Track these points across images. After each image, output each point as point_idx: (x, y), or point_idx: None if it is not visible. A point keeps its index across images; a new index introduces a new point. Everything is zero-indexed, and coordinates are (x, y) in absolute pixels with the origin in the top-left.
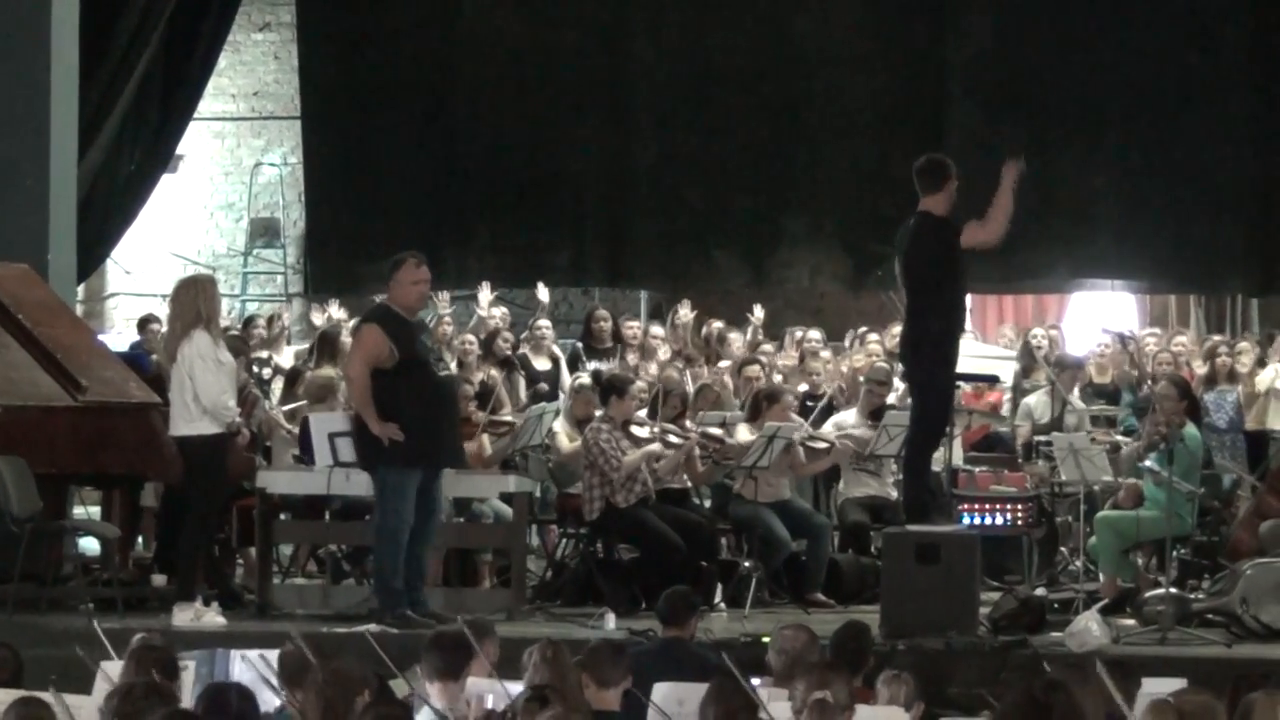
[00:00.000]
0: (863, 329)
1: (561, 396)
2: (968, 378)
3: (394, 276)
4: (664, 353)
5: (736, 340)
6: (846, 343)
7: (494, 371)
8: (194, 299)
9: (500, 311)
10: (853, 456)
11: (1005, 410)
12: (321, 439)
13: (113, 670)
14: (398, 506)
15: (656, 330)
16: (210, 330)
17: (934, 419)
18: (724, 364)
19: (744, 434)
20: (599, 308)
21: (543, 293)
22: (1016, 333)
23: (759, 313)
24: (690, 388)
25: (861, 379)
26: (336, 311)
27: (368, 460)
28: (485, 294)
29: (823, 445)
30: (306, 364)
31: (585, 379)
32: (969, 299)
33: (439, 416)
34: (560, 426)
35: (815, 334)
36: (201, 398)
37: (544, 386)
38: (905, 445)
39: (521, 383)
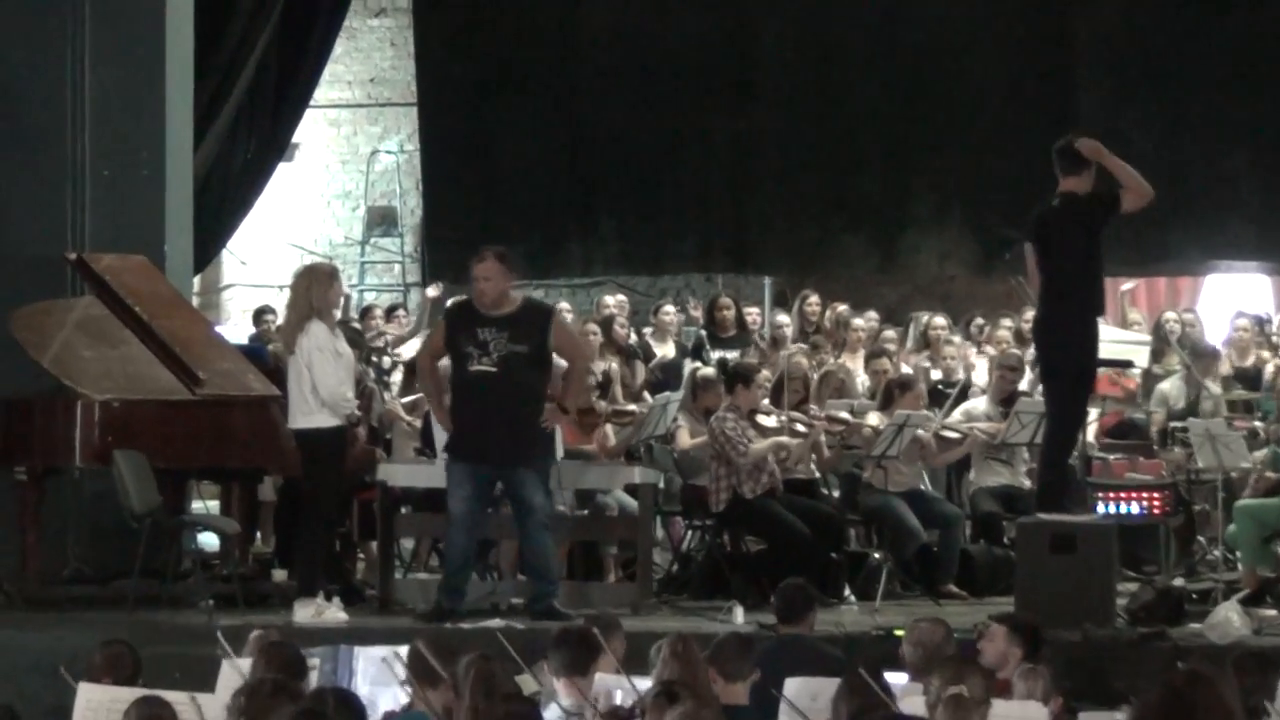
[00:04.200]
0: (978, 320)
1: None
2: (1102, 363)
3: None
4: (790, 340)
5: (860, 325)
6: (974, 330)
7: (614, 362)
8: (310, 288)
9: (618, 299)
10: (984, 446)
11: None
12: (441, 431)
13: (235, 668)
14: (450, 499)
15: (783, 319)
16: (327, 320)
17: (1073, 406)
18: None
19: (875, 420)
20: (722, 294)
21: None
22: (1147, 316)
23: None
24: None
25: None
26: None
27: None
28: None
29: (955, 435)
30: None
31: (706, 370)
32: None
33: (468, 411)
34: (681, 419)
35: (940, 320)
36: (320, 389)
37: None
38: (1045, 433)
39: (642, 371)
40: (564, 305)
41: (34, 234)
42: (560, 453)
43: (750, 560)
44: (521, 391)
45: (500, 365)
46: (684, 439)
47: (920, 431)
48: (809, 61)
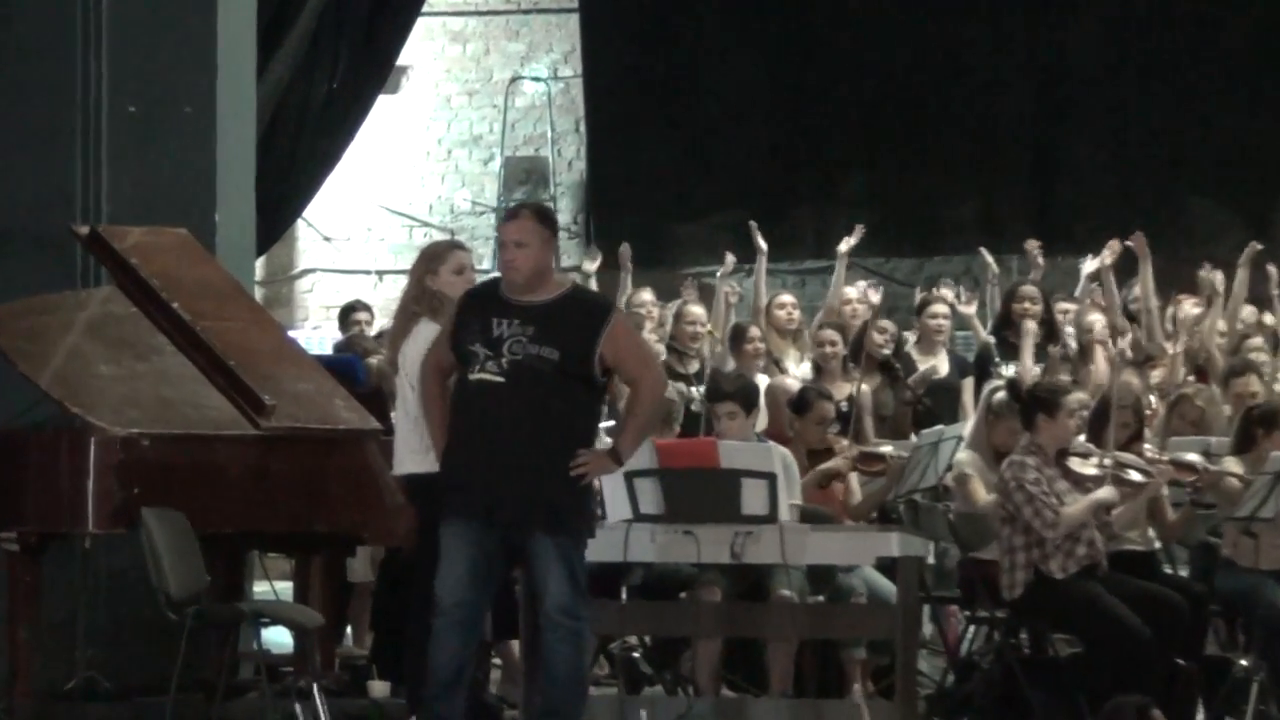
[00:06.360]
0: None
1: (967, 418)
2: None
3: None
4: (1101, 350)
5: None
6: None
7: (865, 384)
8: (422, 276)
9: (861, 287)
10: None
11: None
12: (615, 480)
13: None
14: (439, 576)
15: (1095, 317)
16: (442, 320)
17: None
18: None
19: (1235, 466)
20: (1024, 283)
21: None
22: None
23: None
24: (1153, 399)
25: None
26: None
27: None
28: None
29: None
30: None
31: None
32: None
33: (463, 439)
34: (969, 463)
35: None
36: None
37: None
38: None
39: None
40: (785, 299)
41: (30, 200)
42: (784, 513)
43: (1060, 667)
44: (541, 416)
45: (511, 374)
46: (977, 492)
47: None
48: None
